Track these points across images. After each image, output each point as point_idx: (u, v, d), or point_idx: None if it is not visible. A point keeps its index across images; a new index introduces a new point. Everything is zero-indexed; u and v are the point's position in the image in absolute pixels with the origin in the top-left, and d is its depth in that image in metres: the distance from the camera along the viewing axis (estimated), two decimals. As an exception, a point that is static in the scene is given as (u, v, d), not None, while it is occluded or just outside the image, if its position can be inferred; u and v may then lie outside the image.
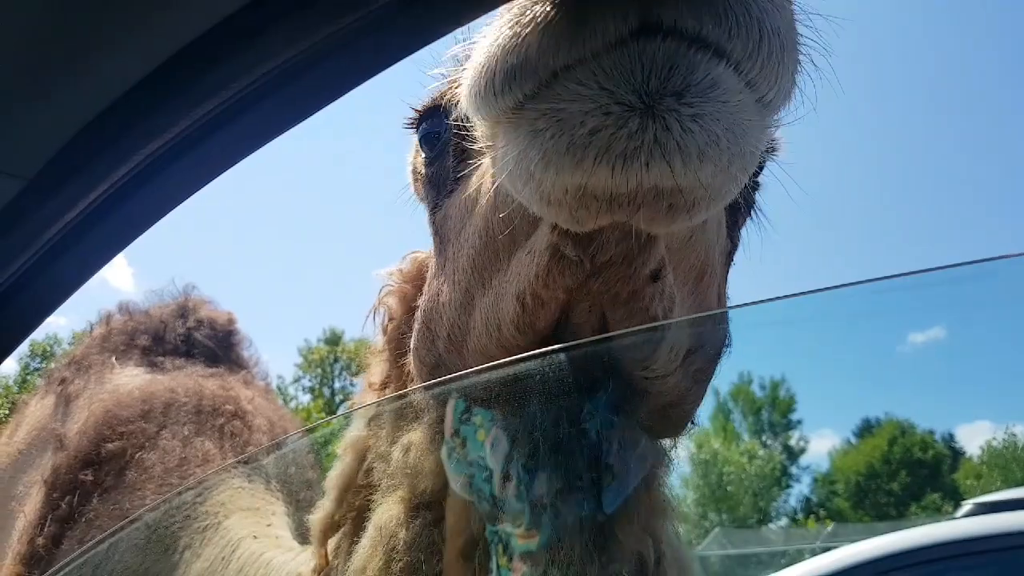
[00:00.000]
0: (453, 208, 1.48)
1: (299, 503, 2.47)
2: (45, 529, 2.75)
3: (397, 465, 1.53)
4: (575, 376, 1.30)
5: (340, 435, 1.80)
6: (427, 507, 1.47)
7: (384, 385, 1.79)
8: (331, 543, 1.71)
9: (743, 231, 1.59)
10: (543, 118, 0.93)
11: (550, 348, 1.26)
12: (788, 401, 42.24)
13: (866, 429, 41.35)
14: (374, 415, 1.74)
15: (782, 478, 39.89)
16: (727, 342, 1.54)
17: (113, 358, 3.48)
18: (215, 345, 3.59)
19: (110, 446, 2.85)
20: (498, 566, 1.36)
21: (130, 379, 3.28)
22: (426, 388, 1.52)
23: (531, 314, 1.25)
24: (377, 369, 1.83)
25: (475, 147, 1.21)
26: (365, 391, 1.89)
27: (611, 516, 1.34)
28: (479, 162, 1.29)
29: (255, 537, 2.29)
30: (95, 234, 1.12)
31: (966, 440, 39.59)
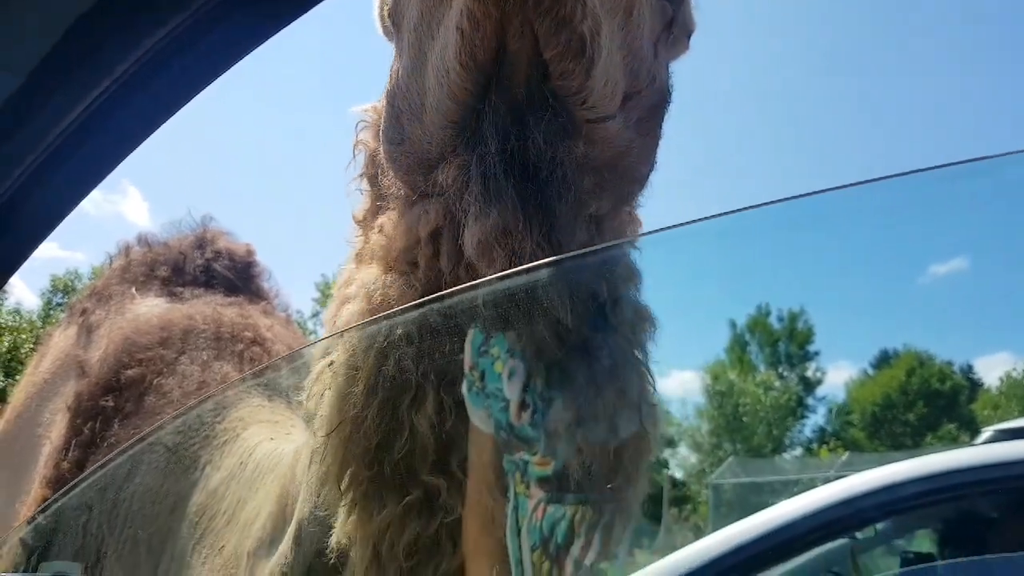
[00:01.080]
0: None
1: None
2: (70, 454, 2.83)
3: (374, 242, 1.66)
4: (582, 297, 1.30)
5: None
6: (405, 263, 1.57)
7: (364, 219, 1.84)
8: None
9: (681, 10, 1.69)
10: None
11: (541, 262, 1.28)
12: (806, 333, 42.21)
13: (884, 360, 41.33)
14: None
15: (797, 408, 40.21)
16: (668, 97, 1.64)
17: (133, 288, 3.50)
18: (234, 276, 3.59)
19: (129, 372, 2.90)
20: (515, 493, 1.38)
21: (150, 308, 3.31)
22: (436, 299, 1.50)
23: (470, 42, 1.33)
24: (359, 205, 1.88)
25: None
26: (352, 229, 1.92)
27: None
28: None
29: (272, 439, 2.33)
30: (102, 135, 1.10)
31: (985, 371, 39.55)
